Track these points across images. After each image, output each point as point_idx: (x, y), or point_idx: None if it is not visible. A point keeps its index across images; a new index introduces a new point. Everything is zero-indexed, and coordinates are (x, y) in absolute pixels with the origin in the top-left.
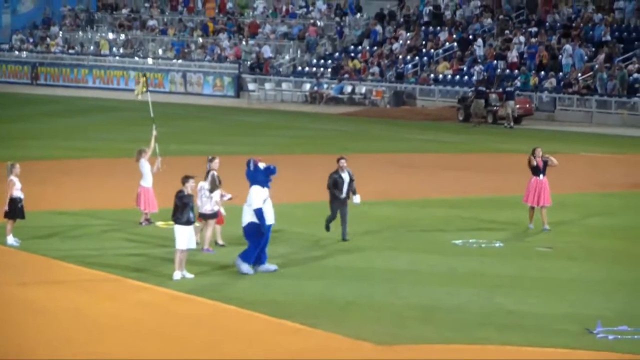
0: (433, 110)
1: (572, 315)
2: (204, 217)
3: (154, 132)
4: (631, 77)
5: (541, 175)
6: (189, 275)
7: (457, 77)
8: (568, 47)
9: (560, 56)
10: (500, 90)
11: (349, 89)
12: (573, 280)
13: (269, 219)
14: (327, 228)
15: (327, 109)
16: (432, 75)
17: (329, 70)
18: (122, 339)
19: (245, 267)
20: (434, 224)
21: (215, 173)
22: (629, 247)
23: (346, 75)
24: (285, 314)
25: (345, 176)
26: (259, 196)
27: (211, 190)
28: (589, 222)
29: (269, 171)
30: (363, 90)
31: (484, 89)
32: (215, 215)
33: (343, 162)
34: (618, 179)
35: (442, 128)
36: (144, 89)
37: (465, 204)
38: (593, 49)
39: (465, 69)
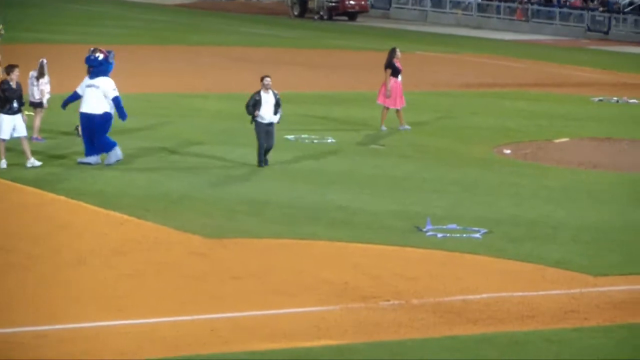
0: (268, 4)
1: (402, 213)
2: (33, 105)
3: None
4: None
5: (399, 77)
6: (37, 163)
7: None
8: None
9: None
10: None
11: None
12: (405, 178)
13: (84, 106)
14: (260, 162)
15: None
16: None
17: None
18: None
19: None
20: None
21: (45, 60)
22: (459, 146)
23: None
24: (113, 205)
25: (269, 97)
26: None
27: (38, 78)
28: (421, 120)
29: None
30: None
31: None
32: (41, 104)
33: (268, 81)
34: (450, 79)
35: (276, 23)
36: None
37: (297, 100)
38: None
39: None
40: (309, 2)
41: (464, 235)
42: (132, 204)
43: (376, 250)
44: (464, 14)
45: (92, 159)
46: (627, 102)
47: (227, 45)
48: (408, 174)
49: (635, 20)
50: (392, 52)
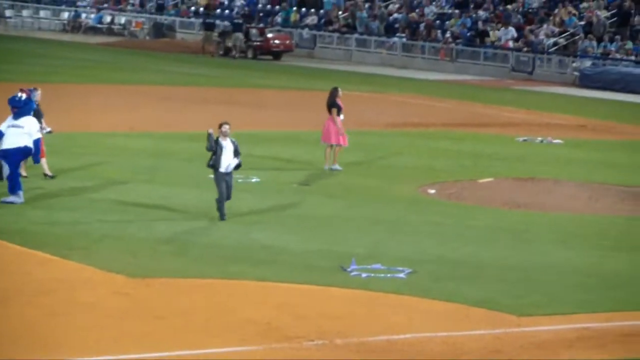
0: (192, 43)
1: (326, 252)
2: None
3: None
4: (391, 18)
5: (342, 115)
6: None
7: (218, 10)
8: None
9: None
10: (228, 24)
11: (108, 19)
12: (329, 217)
13: (5, 144)
14: (221, 215)
15: (86, 38)
16: (192, 8)
17: None
18: None
19: (13, 198)
20: (189, 157)
21: None
22: (384, 186)
23: (105, 5)
24: (37, 244)
25: (228, 144)
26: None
27: None
28: (346, 160)
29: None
30: (122, 20)
31: (212, 21)
32: None
33: (226, 128)
34: (375, 118)
35: (200, 61)
36: None
37: None
38: None
39: (226, 2)
40: (227, 40)
41: (388, 275)
42: (55, 243)
43: (300, 290)
44: (388, 54)
45: (16, 198)
46: (551, 142)
47: (151, 84)
48: (332, 213)
49: (560, 61)
50: (335, 91)
